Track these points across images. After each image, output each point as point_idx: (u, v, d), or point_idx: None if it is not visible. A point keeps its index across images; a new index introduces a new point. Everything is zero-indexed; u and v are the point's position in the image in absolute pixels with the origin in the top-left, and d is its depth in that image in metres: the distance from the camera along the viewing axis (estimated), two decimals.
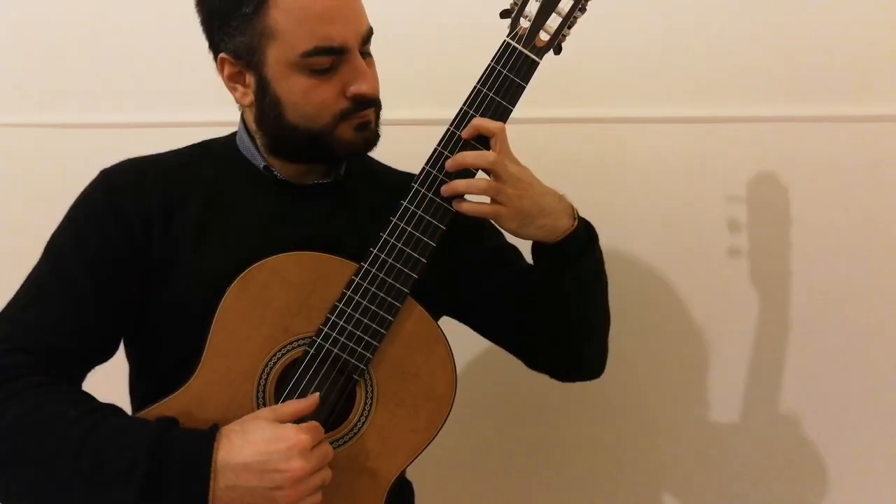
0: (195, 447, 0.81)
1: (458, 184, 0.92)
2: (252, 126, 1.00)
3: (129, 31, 1.50)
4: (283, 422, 0.85)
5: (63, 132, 1.53)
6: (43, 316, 0.90)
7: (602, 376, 1.45)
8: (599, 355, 1.09)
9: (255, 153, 1.01)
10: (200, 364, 0.89)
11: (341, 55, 0.92)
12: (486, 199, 0.94)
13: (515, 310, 1.05)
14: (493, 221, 0.97)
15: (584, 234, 0.99)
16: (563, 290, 0.99)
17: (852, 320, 1.39)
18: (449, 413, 0.95)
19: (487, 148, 0.93)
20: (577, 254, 0.97)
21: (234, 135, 1.05)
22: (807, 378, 1.41)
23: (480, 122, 0.92)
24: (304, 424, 0.84)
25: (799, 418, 1.43)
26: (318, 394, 0.89)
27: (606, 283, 1.06)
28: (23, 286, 0.93)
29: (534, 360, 1.10)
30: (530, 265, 1.05)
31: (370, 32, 0.96)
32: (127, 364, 1.03)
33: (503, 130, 0.92)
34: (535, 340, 1.07)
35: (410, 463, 0.96)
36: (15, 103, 1.54)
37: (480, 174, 0.94)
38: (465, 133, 0.92)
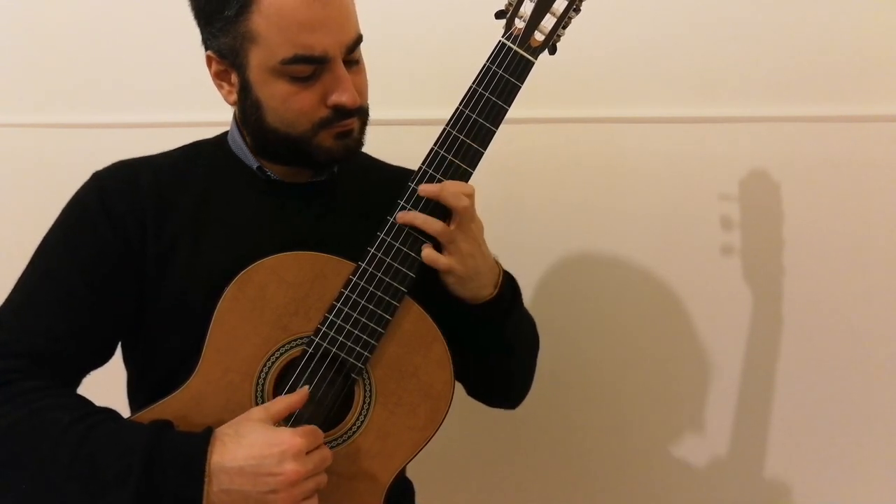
0: (189, 451, 0.81)
1: (416, 217, 0.92)
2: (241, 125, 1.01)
3: (129, 32, 1.50)
4: (275, 419, 0.85)
5: (63, 132, 1.53)
6: (35, 320, 0.90)
7: (600, 375, 1.46)
8: (514, 396, 1.10)
9: (247, 153, 1.01)
10: (199, 363, 0.89)
11: (322, 64, 0.91)
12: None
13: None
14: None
15: (508, 297, 0.99)
16: (483, 344, 1.00)
17: (848, 320, 1.39)
18: (447, 411, 0.95)
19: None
20: (496, 318, 0.98)
21: (224, 135, 1.05)
22: (801, 378, 1.41)
23: (445, 196, 0.91)
24: (300, 428, 0.84)
25: (793, 418, 1.43)
26: (307, 387, 0.89)
27: (528, 335, 1.07)
28: (14, 290, 0.92)
29: (469, 389, 1.11)
30: None
31: (357, 41, 0.95)
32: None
33: (468, 203, 0.92)
34: (468, 370, 1.07)
35: (409, 461, 0.97)
36: (15, 103, 1.54)
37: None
38: (424, 192, 0.92)
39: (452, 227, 0.92)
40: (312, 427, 0.86)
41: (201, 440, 0.82)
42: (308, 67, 0.91)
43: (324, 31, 0.90)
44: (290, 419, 0.91)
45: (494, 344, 1.00)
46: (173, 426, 0.86)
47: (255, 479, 0.80)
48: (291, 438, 0.82)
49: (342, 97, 0.92)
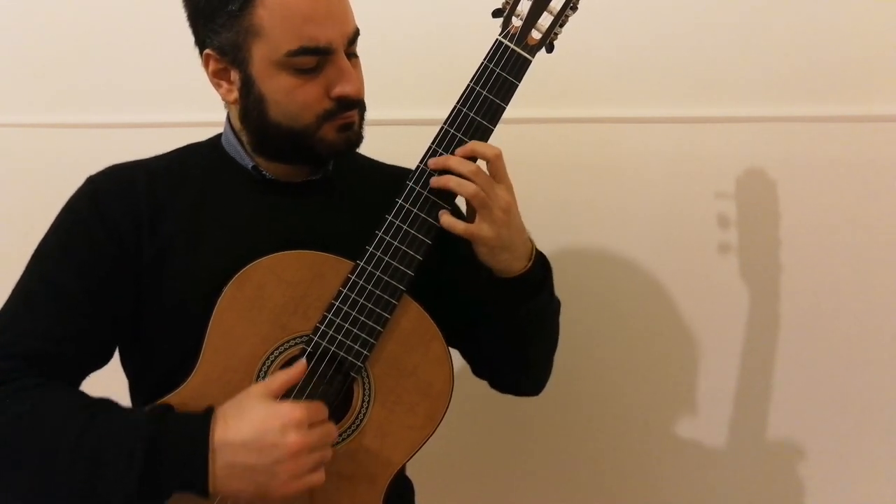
0: (191, 429, 0.82)
1: (450, 180, 0.91)
2: (237, 125, 1.00)
3: (128, 32, 1.50)
4: (275, 394, 0.86)
5: (63, 132, 1.54)
6: (33, 324, 0.90)
7: (599, 374, 1.45)
8: (536, 382, 1.10)
9: (242, 153, 1.01)
10: (198, 363, 0.89)
11: (326, 56, 0.92)
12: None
13: (471, 320, 1.04)
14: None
15: (539, 275, 0.98)
16: (507, 323, 1.00)
17: (847, 320, 1.39)
18: (446, 410, 0.95)
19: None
20: (525, 294, 0.97)
21: (218, 136, 1.06)
22: (798, 377, 1.41)
23: (476, 146, 0.92)
24: (303, 402, 0.85)
25: (790, 417, 1.42)
26: (303, 360, 0.90)
27: (554, 317, 1.06)
28: (12, 295, 0.93)
29: (477, 370, 1.12)
30: None
31: (356, 33, 0.96)
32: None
33: (499, 157, 0.92)
34: (480, 354, 1.09)
35: (408, 460, 0.97)
36: (15, 103, 1.55)
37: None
38: (459, 153, 0.92)
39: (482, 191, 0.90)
40: (316, 402, 0.87)
41: (203, 418, 0.83)
42: (312, 59, 0.91)
43: (327, 23, 0.91)
44: (291, 394, 0.91)
45: (518, 323, 1.00)
46: (174, 409, 0.87)
47: (260, 451, 0.81)
48: (292, 410, 0.83)
49: (346, 87, 0.93)
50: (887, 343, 1.38)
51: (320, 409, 0.86)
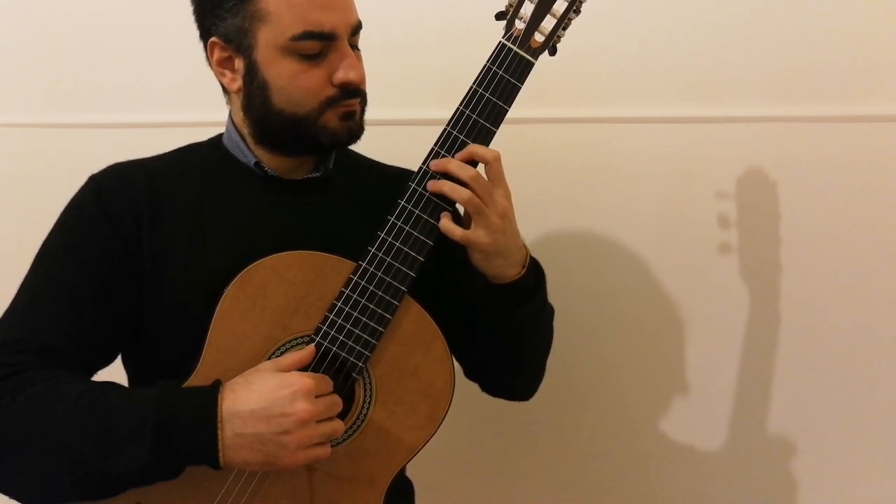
0: (200, 401, 0.83)
1: (444, 185, 0.92)
2: (239, 117, 1.00)
3: (129, 32, 1.50)
4: (284, 371, 0.87)
5: (63, 132, 1.53)
6: (42, 321, 0.90)
7: (598, 374, 1.46)
8: (528, 385, 1.11)
9: (244, 150, 1.01)
10: (199, 363, 0.89)
11: (330, 42, 0.93)
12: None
13: (468, 323, 1.04)
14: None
15: (532, 282, 0.99)
16: (501, 327, 1.00)
17: (847, 320, 1.39)
18: (447, 410, 0.95)
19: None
20: (518, 300, 0.98)
21: (219, 136, 1.06)
22: (798, 377, 1.41)
23: (475, 149, 0.93)
24: (308, 373, 0.86)
25: (789, 417, 1.43)
26: (313, 345, 0.91)
27: (548, 323, 1.06)
28: (18, 294, 0.93)
29: (470, 372, 1.13)
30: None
31: (359, 25, 0.97)
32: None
33: (497, 160, 0.93)
34: (473, 357, 1.09)
35: (409, 460, 0.97)
36: (15, 103, 1.54)
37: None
38: (458, 157, 0.93)
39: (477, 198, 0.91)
40: (321, 375, 0.87)
41: (211, 390, 0.84)
42: (317, 44, 0.93)
43: (332, 9, 0.93)
44: None
45: (511, 328, 1.00)
46: (181, 384, 0.88)
47: (268, 420, 0.82)
48: (301, 379, 0.84)
49: (349, 73, 0.94)
50: (887, 343, 1.38)
51: (326, 381, 0.87)
